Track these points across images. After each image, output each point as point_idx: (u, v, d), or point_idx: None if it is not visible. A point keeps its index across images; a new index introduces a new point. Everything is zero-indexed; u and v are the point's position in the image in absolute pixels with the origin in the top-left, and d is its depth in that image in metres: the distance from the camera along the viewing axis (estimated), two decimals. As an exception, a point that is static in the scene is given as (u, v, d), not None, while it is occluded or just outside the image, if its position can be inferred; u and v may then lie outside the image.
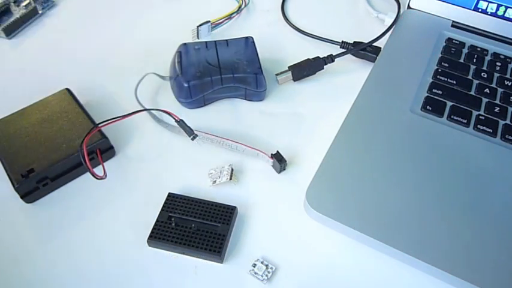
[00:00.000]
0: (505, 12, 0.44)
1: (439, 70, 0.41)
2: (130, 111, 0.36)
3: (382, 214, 0.31)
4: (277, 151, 0.36)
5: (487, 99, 0.39)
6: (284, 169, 0.36)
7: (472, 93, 0.39)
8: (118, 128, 0.40)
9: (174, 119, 0.35)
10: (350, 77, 0.45)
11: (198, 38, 0.49)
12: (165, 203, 0.33)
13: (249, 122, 0.41)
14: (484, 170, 0.33)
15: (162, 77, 0.43)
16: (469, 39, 0.45)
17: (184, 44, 0.43)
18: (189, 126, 0.35)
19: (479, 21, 0.45)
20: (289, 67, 0.44)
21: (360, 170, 0.34)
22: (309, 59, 0.45)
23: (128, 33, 0.51)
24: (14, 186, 0.33)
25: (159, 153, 0.39)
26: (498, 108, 0.38)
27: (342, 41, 0.47)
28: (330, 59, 0.45)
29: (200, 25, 0.49)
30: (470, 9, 0.45)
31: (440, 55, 0.43)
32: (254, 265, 0.30)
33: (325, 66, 0.45)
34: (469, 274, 0.28)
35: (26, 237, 0.33)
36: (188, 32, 0.49)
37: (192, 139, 0.35)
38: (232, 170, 0.36)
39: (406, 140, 0.35)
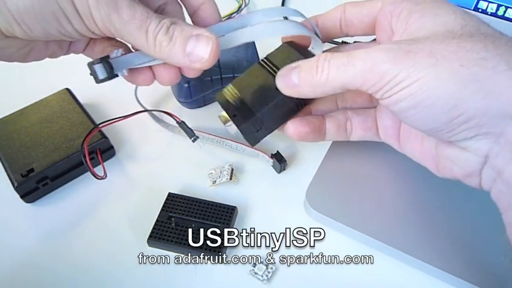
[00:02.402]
0: (505, 12, 0.44)
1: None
2: (131, 112, 0.36)
3: (382, 214, 0.31)
4: (277, 151, 0.36)
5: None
6: (284, 169, 0.36)
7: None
8: (118, 128, 0.40)
9: (176, 120, 0.35)
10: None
11: (198, 37, 0.49)
12: (165, 203, 0.33)
13: (249, 122, 0.41)
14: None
15: (162, 77, 0.43)
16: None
17: (185, 44, 0.43)
18: (190, 128, 0.35)
19: (479, 21, 0.45)
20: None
21: (360, 170, 0.34)
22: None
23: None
24: (14, 186, 0.33)
25: (159, 153, 0.39)
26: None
27: (342, 41, 0.47)
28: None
29: (200, 25, 0.49)
30: (471, 9, 0.45)
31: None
32: (254, 265, 0.30)
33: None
34: (469, 274, 0.28)
35: (26, 237, 0.33)
36: (188, 32, 0.49)
37: (193, 141, 0.35)
38: (232, 170, 0.36)
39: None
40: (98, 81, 0.25)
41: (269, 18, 0.27)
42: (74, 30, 0.24)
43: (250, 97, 0.30)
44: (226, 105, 0.30)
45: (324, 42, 0.31)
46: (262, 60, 0.31)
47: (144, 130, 0.41)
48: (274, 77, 0.29)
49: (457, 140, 0.23)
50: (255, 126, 0.29)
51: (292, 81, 0.26)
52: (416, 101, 0.21)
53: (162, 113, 0.38)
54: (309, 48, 0.31)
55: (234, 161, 0.37)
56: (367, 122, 0.31)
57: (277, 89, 0.28)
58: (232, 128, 0.30)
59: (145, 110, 0.39)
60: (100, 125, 0.35)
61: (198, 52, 0.24)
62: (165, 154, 0.39)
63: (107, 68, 0.25)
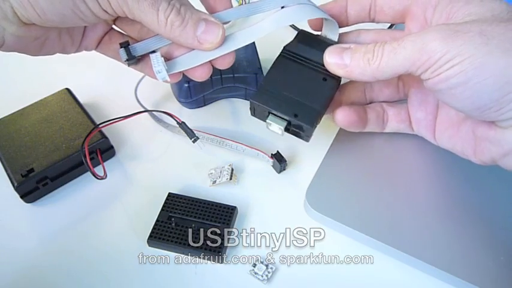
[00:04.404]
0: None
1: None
2: (132, 112, 0.36)
3: (382, 214, 0.31)
4: (277, 151, 0.36)
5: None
6: (284, 169, 0.36)
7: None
8: (118, 128, 0.40)
9: (176, 121, 0.35)
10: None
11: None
12: (165, 203, 0.33)
13: (249, 122, 0.41)
14: (478, 170, 0.33)
15: (162, 77, 0.43)
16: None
17: (185, 44, 0.43)
18: (190, 129, 0.35)
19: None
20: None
21: (360, 170, 0.34)
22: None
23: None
24: (14, 186, 0.33)
25: (159, 153, 0.39)
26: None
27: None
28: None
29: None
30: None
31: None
32: (254, 265, 0.30)
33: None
34: (469, 274, 0.28)
35: (26, 237, 0.33)
36: (188, 32, 0.49)
37: (193, 142, 0.35)
38: (232, 170, 0.36)
39: (405, 137, 0.35)
40: (126, 64, 0.29)
41: (280, 4, 0.28)
42: (88, 9, 0.24)
43: (301, 93, 0.29)
44: (274, 104, 0.29)
45: (349, 25, 0.32)
46: (284, 53, 0.31)
47: (144, 130, 0.41)
48: (311, 69, 0.29)
49: (503, 120, 0.23)
50: (317, 122, 0.29)
51: (344, 61, 0.27)
52: (468, 77, 0.22)
53: (162, 113, 0.38)
54: (321, 33, 0.31)
55: (234, 161, 0.37)
56: (400, 114, 0.32)
57: (324, 79, 0.29)
58: (278, 128, 0.29)
59: (146, 111, 0.39)
60: (100, 125, 0.35)
61: (208, 36, 0.26)
62: (165, 154, 0.39)
63: (126, 52, 0.28)
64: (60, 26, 0.27)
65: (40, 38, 0.27)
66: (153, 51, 0.28)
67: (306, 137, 0.30)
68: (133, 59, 0.28)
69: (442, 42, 0.22)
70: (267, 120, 0.30)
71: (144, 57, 0.29)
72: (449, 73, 0.22)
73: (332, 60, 0.27)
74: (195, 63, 0.28)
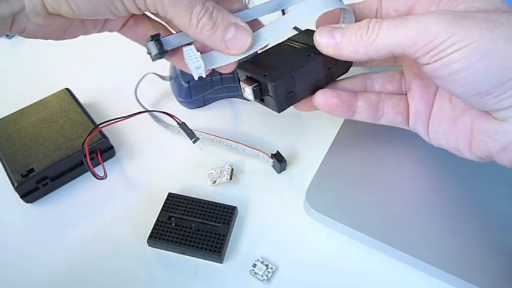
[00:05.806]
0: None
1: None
2: (132, 112, 0.36)
3: (382, 214, 0.31)
4: (277, 151, 0.36)
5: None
6: (284, 169, 0.36)
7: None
8: (118, 128, 0.40)
9: (176, 121, 0.36)
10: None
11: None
12: (165, 203, 0.33)
13: (249, 122, 0.41)
14: (479, 170, 0.33)
15: (162, 77, 0.43)
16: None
17: (185, 44, 0.43)
18: (190, 130, 0.35)
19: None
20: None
21: (360, 170, 0.34)
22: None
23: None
24: (14, 186, 0.33)
25: (159, 153, 0.39)
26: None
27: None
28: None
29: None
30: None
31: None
32: (254, 265, 0.30)
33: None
34: (468, 274, 0.28)
35: (26, 237, 0.33)
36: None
37: (194, 142, 0.35)
38: (232, 170, 0.36)
39: (404, 137, 0.35)
40: (152, 58, 0.27)
41: None
42: (123, 7, 0.25)
43: (281, 63, 0.28)
44: (252, 69, 0.29)
45: None
46: (283, 42, 0.31)
47: (144, 130, 0.41)
48: (303, 49, 0.29)
49: (500, 108, 0.23)
50: (287, 87, 0.28)
51: (334, 39, 0.26)
52: (471, 62, 0.22)
53: (162, 114, 0.38)
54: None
55: (234, 161, 0.37)
56: (399, 105, 0.31)
57: (309, 55, 0.28)
58: (250, 93, 0.28)
59: (146, 111, 0.39)
60: (100, 125, 0.35)
61: (237, 42, 0.26)
62: (165, 154, 0.39)
63: (157, 45, 0.27)
64: (90, 18, 0.27)
65: (63, 26, 0.28)
66: (188, 43, 0.28)
67: (277, 102, 0.28)
68: (164, 54, 0.27)
69: (447, 25, 0.22)
70: (241, 83, 0.29)
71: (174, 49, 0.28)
72: (452, 57, 0.22)
73: (322, 39, 0.26)
74: (232, 59, 0.27)
